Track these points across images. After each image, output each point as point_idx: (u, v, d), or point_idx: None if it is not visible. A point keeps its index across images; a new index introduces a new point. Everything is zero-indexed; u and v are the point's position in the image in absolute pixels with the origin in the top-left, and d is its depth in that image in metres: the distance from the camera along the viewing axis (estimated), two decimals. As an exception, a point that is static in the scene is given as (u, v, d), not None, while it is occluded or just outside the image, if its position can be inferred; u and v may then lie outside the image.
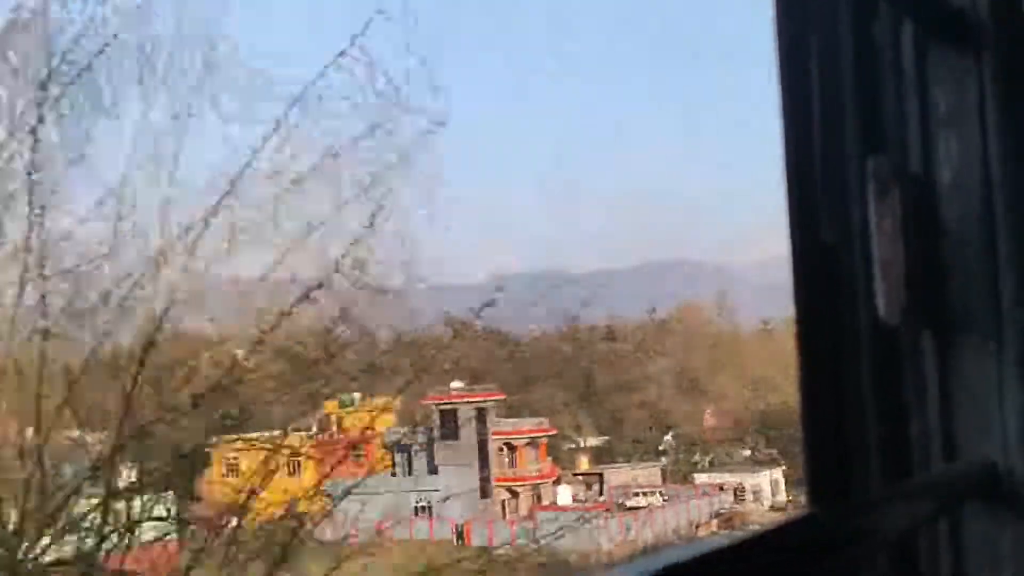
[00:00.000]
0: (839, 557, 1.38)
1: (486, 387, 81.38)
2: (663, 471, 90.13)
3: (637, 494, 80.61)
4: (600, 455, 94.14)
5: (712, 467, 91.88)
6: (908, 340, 1.47)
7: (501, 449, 77.53)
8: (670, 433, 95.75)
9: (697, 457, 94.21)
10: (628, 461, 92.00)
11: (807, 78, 1.43)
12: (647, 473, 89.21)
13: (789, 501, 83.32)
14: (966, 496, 1.44)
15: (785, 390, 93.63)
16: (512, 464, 79.59)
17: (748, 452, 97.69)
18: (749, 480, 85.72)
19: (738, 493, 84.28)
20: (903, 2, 1.45)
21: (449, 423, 72.11)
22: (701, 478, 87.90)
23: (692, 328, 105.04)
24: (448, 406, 73.84)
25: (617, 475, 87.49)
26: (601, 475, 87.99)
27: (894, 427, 1.47)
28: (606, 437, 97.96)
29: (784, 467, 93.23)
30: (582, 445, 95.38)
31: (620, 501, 77.94)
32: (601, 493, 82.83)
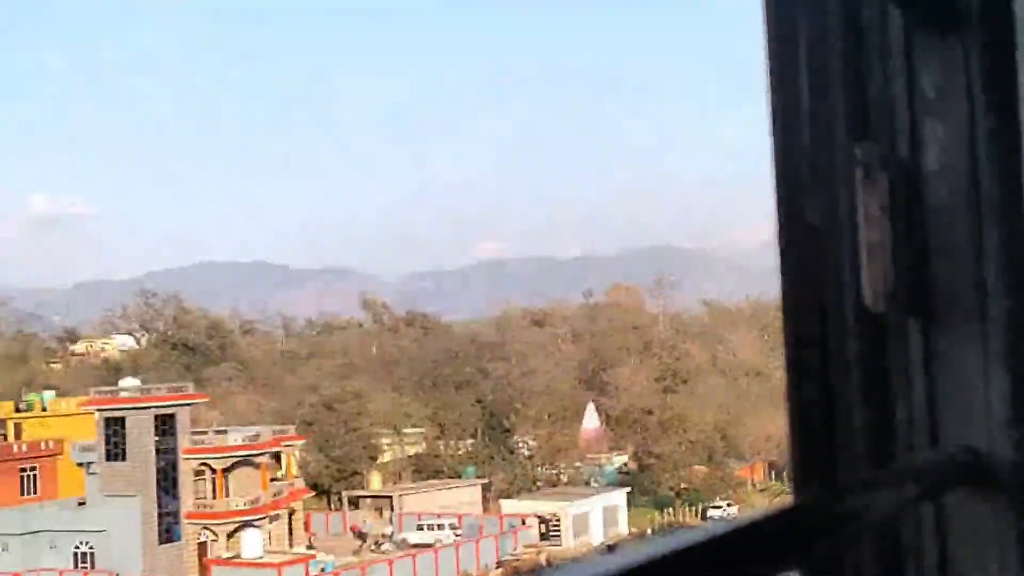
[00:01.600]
0: (825, 543, 1.38)
1: (176, 385, 60.17)
2: (486, 490, 70.85)
3: (422, 527, 62.11)
4: (419, 467, 75.39)
5: (563, 483, 73.37)
6: (893, 326, 1.47)
7: (200, 471, 57.21)
8: (519, 439, 76.77)
9: (540, 471, 74.92)
10: (459, 475, 72.93)
11: (795, 63, 1.43)
12: (464, 495, 68.78)
13: (631, 534, 65.24)
14: (950, 481, 1.45)
15: (706, 381, 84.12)
16: (215, 492, 57.80)
17: (624, 461, 78.64)
18: (574, 508, 65.11)
19: (551, 526, 64.30)
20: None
21: (115, 436, 53.16)
22: (508, 506, 66.69)
23: (623, 312, 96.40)
24: (114, 412, 53.51)
25: (417, 498, 66.87)
26: (391, 498, 67.24)
27: (879, 413, 1.47)
28: (421, 447, 77.00)
29: (634, 469, 75.22)
30: (389, 457, 75.55)
31: (403, 536, 61.52)
32: (391, 521, 65.23)
